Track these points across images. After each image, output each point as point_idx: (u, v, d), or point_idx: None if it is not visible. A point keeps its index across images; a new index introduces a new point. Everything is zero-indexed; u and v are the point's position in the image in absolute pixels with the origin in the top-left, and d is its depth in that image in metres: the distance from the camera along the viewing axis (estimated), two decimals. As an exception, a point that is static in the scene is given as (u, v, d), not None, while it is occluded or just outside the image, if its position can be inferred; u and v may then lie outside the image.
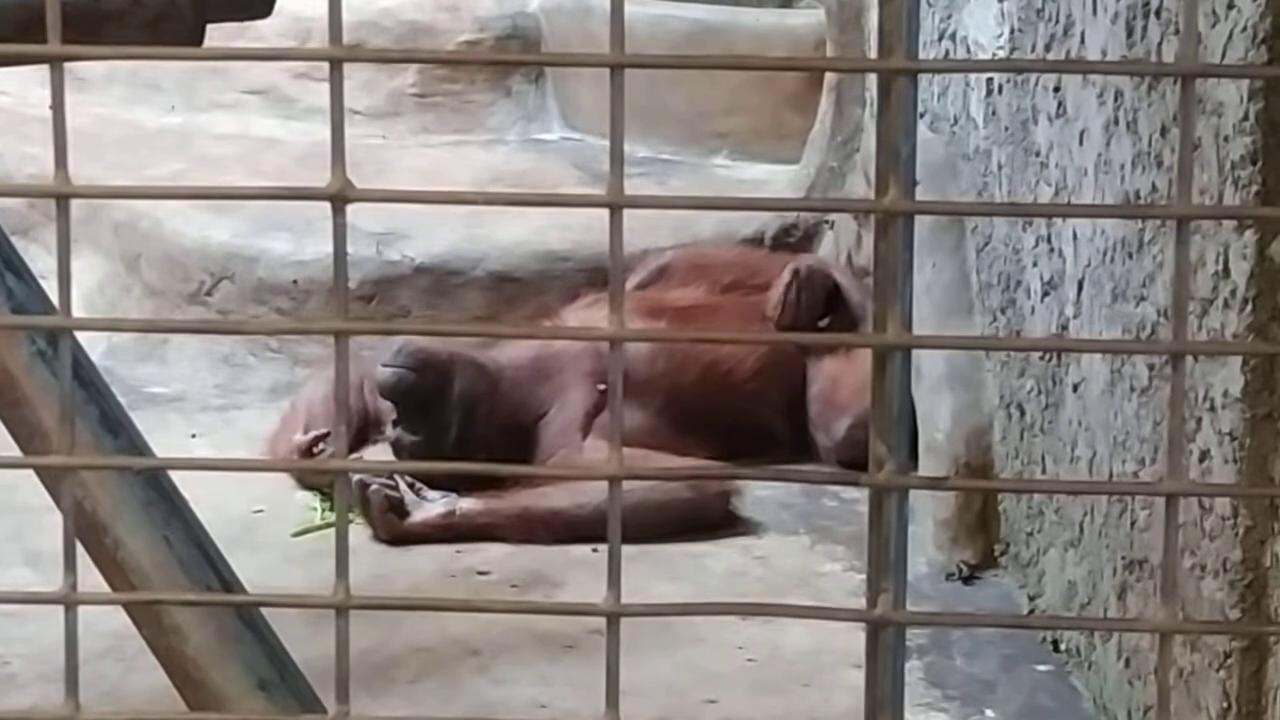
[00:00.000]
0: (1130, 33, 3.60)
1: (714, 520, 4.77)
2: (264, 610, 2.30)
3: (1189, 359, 3.22)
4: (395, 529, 4.66)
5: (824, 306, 5.31)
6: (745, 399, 5.17)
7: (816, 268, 5.38)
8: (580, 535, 4.57)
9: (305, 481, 4.95)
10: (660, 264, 5.51)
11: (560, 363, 5.09)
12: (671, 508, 4.68)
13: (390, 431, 5.00)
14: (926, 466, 4.56)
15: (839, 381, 5.15)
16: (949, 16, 4.88)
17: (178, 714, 2.26)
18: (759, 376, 5.20)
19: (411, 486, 4.73)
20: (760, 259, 5.60)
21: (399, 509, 4.69)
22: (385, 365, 4.91)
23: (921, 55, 4.88)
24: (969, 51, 4.71)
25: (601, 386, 5.01)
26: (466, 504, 4.71)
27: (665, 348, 5.08)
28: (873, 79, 1.24)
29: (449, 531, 4.69)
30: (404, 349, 4.91)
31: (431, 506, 4.71)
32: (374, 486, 4.65)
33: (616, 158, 1.16)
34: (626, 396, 5.18)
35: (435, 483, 4.76)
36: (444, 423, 4.91)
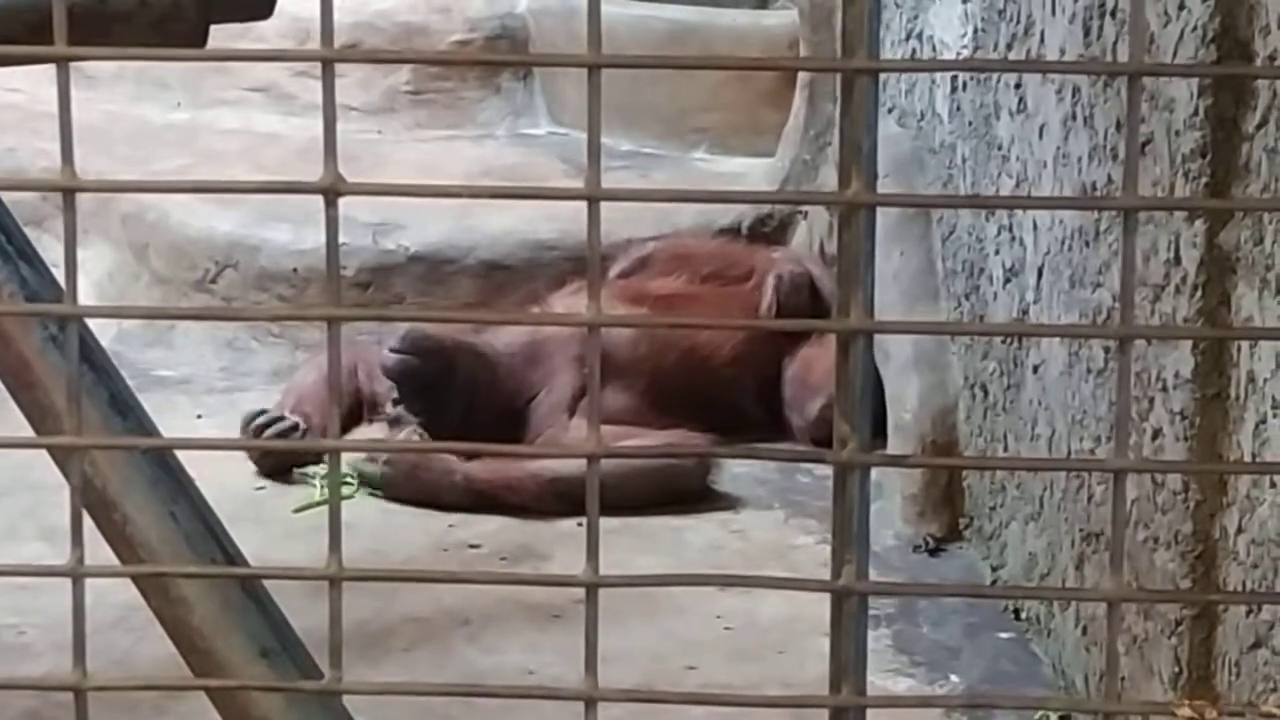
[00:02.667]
0: (1087, 32, 3.61)
1: (693, 487, 4.78)
2: (266, 582, 2.30)
3: (1142, 342, 3.23)
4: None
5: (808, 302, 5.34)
6: (722, 382, 5.18)
7: (796, 270, 5.38)
8: (563, 492, 4.58)
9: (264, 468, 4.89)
10: (642, 254, 5.51)
11: (550, 348, 5.09)
12: (653, 474, 4.69)
13: (391, 410, 5.00)
14: (895, 445, 4.57)
15: (812, 364, 5.16)
16: (915, 17, 4.88)
17: (184, 680, 2.27)
18: (735, 362, 5.22)
19: None
20: (737, 251, 5.61)
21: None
22: (391, 350, 4.91)
23: (889, 54, 4.88)
24: (934, 50, 4.71)
25: (588, 370, 5.02)
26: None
27: (647, 334, 5.09)
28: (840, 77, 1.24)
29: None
30: (408, 335, 4.91)
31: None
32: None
33: (594, 153, 1.16)
34: (611, 379, 5.21)
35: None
36: (445, 406, 4.92)
